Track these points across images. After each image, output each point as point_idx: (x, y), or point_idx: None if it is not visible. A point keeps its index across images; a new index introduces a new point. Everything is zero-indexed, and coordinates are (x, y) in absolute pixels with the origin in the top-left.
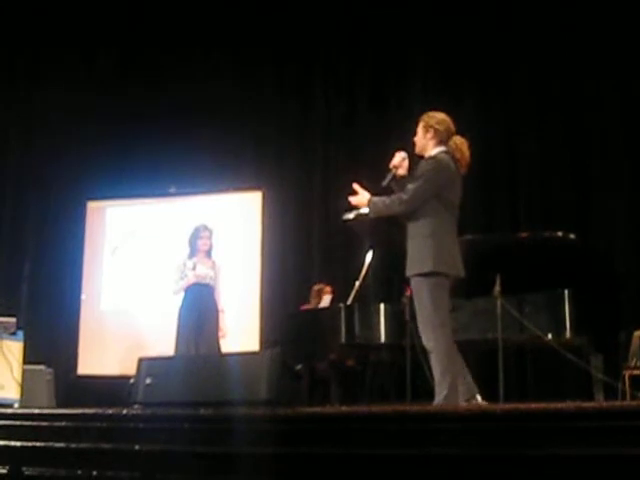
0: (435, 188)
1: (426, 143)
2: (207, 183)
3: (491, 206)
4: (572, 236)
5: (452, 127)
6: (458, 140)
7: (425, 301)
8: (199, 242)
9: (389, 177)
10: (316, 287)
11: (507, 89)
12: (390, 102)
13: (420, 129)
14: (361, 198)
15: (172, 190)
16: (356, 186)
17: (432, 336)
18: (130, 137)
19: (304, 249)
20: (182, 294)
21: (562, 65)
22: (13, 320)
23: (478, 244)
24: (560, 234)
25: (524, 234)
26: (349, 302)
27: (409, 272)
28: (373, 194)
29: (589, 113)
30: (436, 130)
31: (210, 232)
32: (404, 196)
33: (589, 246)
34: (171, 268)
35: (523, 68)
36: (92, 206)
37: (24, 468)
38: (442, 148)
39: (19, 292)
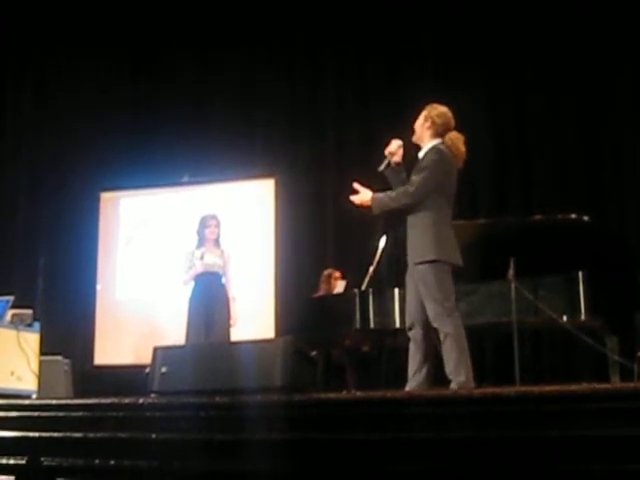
0: (440, 179)
1: (423, 132)
2: (220, 172)
3: (504, 189)
4: (586, 218)
5: (451, 122)
6: (453, 136)
7: (434, 288)
8: (206, 231)
9: (385, 163)
10: (326, 272)
11: (520, 72)
12: (402, 84)
13: (421, 117)
14: (363, 196)
15: (185, 179)
16: (357, 185)
17: (449, 320)
18: (143, 128)
19: (318, 235)
20: (192, 284)
21: (573, 48)
22: (29, 312)
23: (492, 228)
24: (574, 216)
25: (538, 217)
26: (363, 288)
27: (412, 260)
28: (373, 191)
29: (602, 96)
30: (433, 122)
31: (217, 221)
32: (410, 188)
33: (603, 228)
34: (180, 258)
35: (536, 52)
36: (106, 197)
37: (42, 458)
38: (439, 140)
39: (35, 283)
